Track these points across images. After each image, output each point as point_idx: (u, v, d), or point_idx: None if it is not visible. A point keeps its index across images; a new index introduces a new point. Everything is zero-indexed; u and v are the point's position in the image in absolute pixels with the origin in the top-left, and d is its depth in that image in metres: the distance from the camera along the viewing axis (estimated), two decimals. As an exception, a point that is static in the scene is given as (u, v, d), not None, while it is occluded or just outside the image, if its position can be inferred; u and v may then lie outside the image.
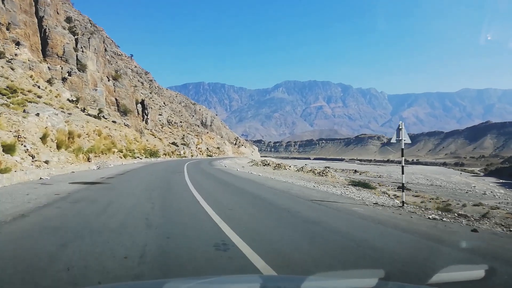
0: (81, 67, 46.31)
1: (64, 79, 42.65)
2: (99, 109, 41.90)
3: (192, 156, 71.69)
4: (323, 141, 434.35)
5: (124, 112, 53.06)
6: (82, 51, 47.80)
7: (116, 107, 52.61)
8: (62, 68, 43.64)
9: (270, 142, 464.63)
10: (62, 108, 29.36)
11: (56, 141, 15.69)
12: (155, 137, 63.06)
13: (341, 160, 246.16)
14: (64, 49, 44.85)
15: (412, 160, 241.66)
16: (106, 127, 32.49)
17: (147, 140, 53.86)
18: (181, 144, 70.28)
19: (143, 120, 67.03)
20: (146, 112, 68.38)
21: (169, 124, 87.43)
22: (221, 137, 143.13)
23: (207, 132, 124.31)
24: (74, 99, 38.75)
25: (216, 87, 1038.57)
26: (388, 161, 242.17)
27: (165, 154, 51.92)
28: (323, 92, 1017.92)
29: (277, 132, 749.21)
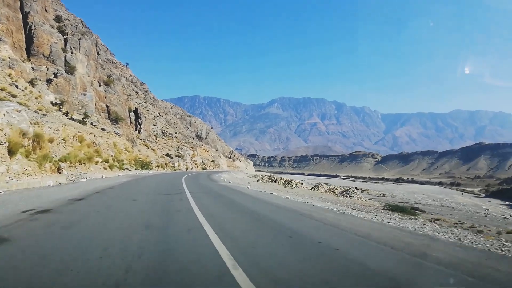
0: (70, 69, 42.22)
1: (49, 81, 38.45)
2: (84, 114, 37.61)
3: (187, 168, 67.21)
4: (318, 157, 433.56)
5: (115, 120, 48.79)
6: (72, 52, 43.78)
7: (107, 114, 48.33)
8: (47, 69, 39.49)
9: (265, 156, 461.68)
10: (40, 110, 25.14)
11: (7, 144, 11.40)
12: (148, 148, 58.69)
13: (336, 176, 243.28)
14: (51, 48, 40.81)
15: (407, 178, 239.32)
16: (91, 133, 28.18)
17: (139, 151, 49.50)
18: (176, 156, 65.85)
19: (136, 130, 62.71)
20: (140, 121, 64.12)
21: (164, 135, 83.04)
22: (216, 150, 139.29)
23: (202, 145, 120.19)
24: (58, 103, 34.49)
25: (212, 101, 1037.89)
26: (383, 178, 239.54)
27: (158, 166, 47.53)
28: (317, 109, 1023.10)
29: (271, 147, 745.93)
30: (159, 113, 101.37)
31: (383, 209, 18.34)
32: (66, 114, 32.75)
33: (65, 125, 22.37)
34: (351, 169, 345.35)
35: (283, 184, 28.21)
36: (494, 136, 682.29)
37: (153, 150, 59.63)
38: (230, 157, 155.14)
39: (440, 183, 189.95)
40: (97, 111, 45.84)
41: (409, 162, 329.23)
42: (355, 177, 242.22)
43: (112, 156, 27.68)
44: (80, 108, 42.22)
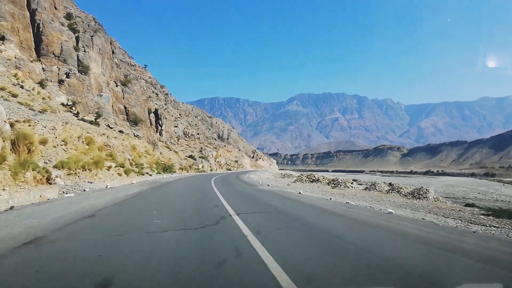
0: (83, 69, 39.23)
1: (61, 82, 35.48)
2: (96, 113, 34.32)
3: (211, 170, 63.60)
4: (341, 153, 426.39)
5: (134, 121, 45.61)
6: (84, 51, 40.80)
7: (125, 116, 45.21)
8: (59, 69, 36.57)
9: (287, 155, 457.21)
10: (45, 110, 21.74)
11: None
12: (170, 150, 55.38)
13: (361, 172, 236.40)
14: (61, 47, 37.88)
15: (437, 171, 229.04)
16: (103, 134, 24.65)
17: (160, 153, 46.13)
18: (199, 157, 62.37)
19: (156, 132, 59.60)
20: (160, 122, 60.96)
21: (186, 136, 79.87)
22: (239, 150, 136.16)
23: (224, 145, 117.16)
24: (69, 104, 31.32)
25: (231, 101, 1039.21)
26: (411, 172, 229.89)
27: (182, 169, 43.97)
28: (338, 104, 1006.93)
29: (292, 145, 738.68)
30: (180, 115, 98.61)
31: (484, 214, 13.64)
32: (76, 114, 29.51)
33: (66, 123, 18.67)
34: (376, 163, 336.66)
35: (328, 184, 23.71)
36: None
37: (176, 152, 56.31)
38: (253, 157, 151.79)
39: (473, 174, 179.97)
40: (114, 113, 42.73)
41: (437, 154, 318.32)
42: (381, 171, 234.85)
43: (129, 159, 24.08)
44: (96, 110, 39.16)
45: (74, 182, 12.59)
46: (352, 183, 23.68)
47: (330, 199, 13.60)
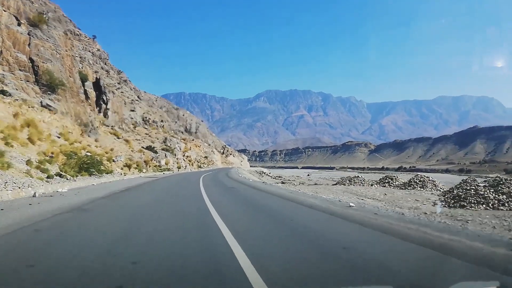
0: None
1: None
2: None
3: (179, 168, 45.28)
4: (310, 150, 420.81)
5: (49, 85, 26.64)
6: None
7: (33, 75, 26.13)
8: None
9: (255, 151, 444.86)
10: None
11: None
12: (119, 138, 36.59)
13: (331, 168, 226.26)
14: None
15: (410, 167, 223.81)
16: None
17: (96, 140, 27.57)
18: (162, 149, 43.72)
19: (100, 112, 40.52)
20: (105, 99, 41.75)
21: (145, 123, 60.60)
22: (208, 145, 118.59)
23: (193, 140, 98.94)
24: None
25: (197, 97, 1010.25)
26: (382, 168, 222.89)
27: (128, 167, 25.83)
28: (304, 101, 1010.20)
29: (259, 141, 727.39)
30: (138, 97, 78.67)
31: None
32: None
33: None
34: (344, 160, 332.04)
35: None
36: (478, 121, 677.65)
37: (127, 141, 37.52)
38: (223, 153, 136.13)
39: (447, 171, 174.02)
40: (6, 65, 23.62)
41: (403, 150, 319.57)
42: (351, 168, 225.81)
43: None
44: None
45: None
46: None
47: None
